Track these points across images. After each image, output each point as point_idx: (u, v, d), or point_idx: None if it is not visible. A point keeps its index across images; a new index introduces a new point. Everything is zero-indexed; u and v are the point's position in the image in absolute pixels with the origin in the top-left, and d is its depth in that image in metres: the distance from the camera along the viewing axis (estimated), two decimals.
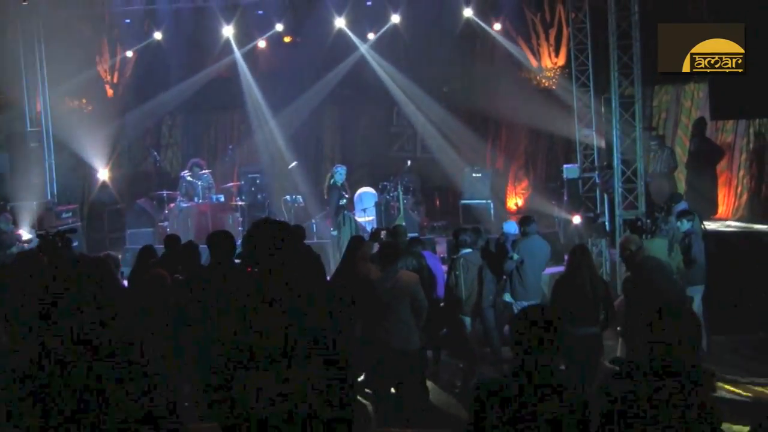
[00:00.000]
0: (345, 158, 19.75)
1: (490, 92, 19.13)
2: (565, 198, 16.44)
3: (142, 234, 16.81)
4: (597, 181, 15.36)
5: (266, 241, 4.37)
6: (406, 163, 18.37)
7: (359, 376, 9.14)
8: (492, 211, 17.61)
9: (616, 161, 14.16)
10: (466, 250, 10.26)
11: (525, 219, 11.08)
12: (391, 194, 17.20)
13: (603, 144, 15.65)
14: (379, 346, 8.09)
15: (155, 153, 20.09)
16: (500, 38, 19.03)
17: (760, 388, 9.72)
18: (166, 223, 16.82)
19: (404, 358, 8.08)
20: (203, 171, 17.29)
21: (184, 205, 16.64)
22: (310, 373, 4.22)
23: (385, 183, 17.55)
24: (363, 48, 19.49)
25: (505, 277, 10.72)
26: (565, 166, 16.83)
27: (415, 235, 13.12)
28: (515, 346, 4.00)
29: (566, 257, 9.94)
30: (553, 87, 18.76)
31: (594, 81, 15.42)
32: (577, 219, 15.39)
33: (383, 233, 10.12)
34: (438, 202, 19.85)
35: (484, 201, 17.79)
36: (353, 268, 8.97)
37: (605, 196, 14.87)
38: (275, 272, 4.36)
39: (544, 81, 19.17)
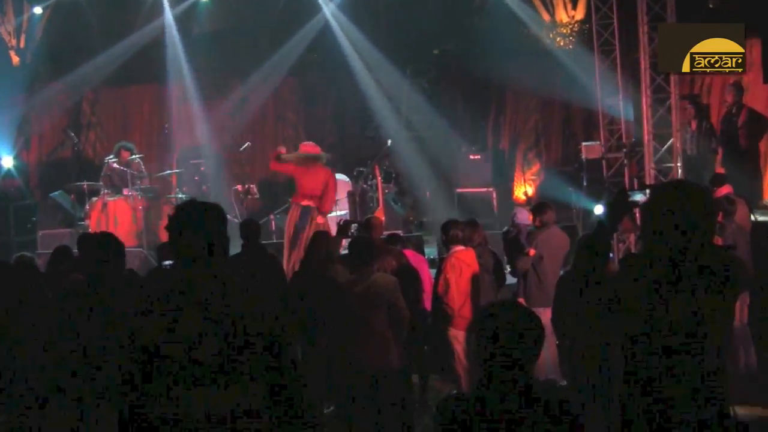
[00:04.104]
0: (311, 139, 19.71)
1: (492, 54, 19.13)
2: (585, 183, 16.45)
3: (59, 235, 16.70)
4: (624, 161, 15.39)
5: (190, 227, 4.33)
6: (387, 144, 18.34)
7: (326, 404, 9.12)
8: (495, 202, 17.60)
9: (646, 137, 14.19)
10: (459, 248, 10.24)
11: (540, 207, 11.16)
12: (369, 182, 17.17)
13: (631, 116, 15.68)
14: (349, 365, 8.06)
15: (73, 135, 19.97)
16: None
17: None
18: (87, 222, 16.73)
19: (381, 381, 8.06)
20: (134, 156, 17.19)
21: (111, 198, 16.56)
22: (248, 394, 4.20)
23: (360, 169, 17.53)
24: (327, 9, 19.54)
25: (517, 278, 10.76)
26: (584, 144, 16.84)
27: (398, 232, 13.14)
28: (481, 354, 4.03)
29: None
30: (570, 47, 18.77)
31: (620, 38, 15.41)
32: (599, 209, 15.39)
33: (354, 227, 10.09)
34: (427, 192, 19.79)
35: (485, 189, 17.79)
36: (317, 269, 8.95)
37: (635, 179, 14.89)
38: (206, 268, 4.33)
39: (558, 39, 19.17)
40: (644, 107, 14.25)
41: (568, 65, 17.92)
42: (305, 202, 14.08)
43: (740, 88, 16.15)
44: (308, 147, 14.68)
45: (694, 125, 15.82)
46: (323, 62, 20.41)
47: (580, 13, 18.91)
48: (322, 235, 9.67)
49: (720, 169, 15.21)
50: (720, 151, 15.73)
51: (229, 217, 4.68)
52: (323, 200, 14.15)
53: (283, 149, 14.65)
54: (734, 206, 11.02)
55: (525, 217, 11.55)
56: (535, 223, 10.97)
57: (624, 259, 4.84)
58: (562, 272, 11.43)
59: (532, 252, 10.51)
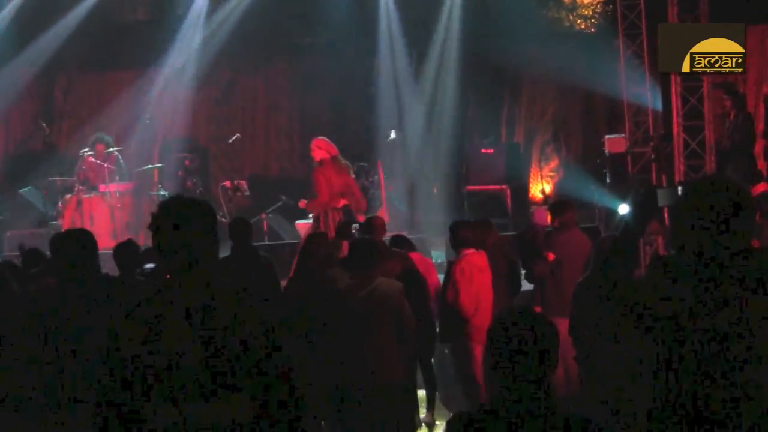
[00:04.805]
0: (307, 130, 19.69)
1: (506, 38, 19.12)
2: (609, 180, 16.44)
3: (29, 236, 16.68)
4: (652, 156, 15.38)
5: (175, 226, 4.31)
6: (390, 136, 18.33)
7: (323, 421, 9.13)
8: (509, 201, 17.60)
9: (676, 129, 14.19)
10: (470, 251, 10.24)
11: (560, 206, 11.14)
12: (370, 178, 17.17)
13: (660, 106, 15.66)
14: (349, 379, 8.06)
15: (45, 125, 19.95)
16: None
17: None
18: (60, 221, 16.73)
19: (384, 396, 8.05)
20: (111, 149, 17.19)
21: (86, 195, 16.56)
22: (236, 409, 4.20)
23: (362, 163, 17.52)
24: None
25: (533, 284, 10.76)
26: (607, 137, 16.83)
27: (402, 233, 13.13)
28: (494, 367, 4.00)
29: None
30: (592, 30, 18.76)
31: (647, 21, 15.40)
32: (624, 208, 15.38)
33: (355, 228, 10.11)
34: (435, 189, 19.78)
35: (498, 187, 17.79)
36: (314, 273, 8.95)
37: (663, 176, 14.88)
38: (192, 272, 4.32)
39: (579, 22, 19.17)
40: (674, 96, 14.24)
41: (589, 50, 17.89)
42: (342, 202, 14.16)
43: None
44: (328, 145, 14.66)
45: (732, 116, 15.81)
46: (320, 44, 20.36)
47: None
48: (320, 236, 9.68)
49: (760, 164, 15.23)
50: (760, 144, 15.72)
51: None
52: (356, 197, 14.27)
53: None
54: None
55: (543, 217, 11.54)
56: (554, 224, 10.95)
57: (652, 263, 4.80)
58: None
59: (551, 256, 10.49)
